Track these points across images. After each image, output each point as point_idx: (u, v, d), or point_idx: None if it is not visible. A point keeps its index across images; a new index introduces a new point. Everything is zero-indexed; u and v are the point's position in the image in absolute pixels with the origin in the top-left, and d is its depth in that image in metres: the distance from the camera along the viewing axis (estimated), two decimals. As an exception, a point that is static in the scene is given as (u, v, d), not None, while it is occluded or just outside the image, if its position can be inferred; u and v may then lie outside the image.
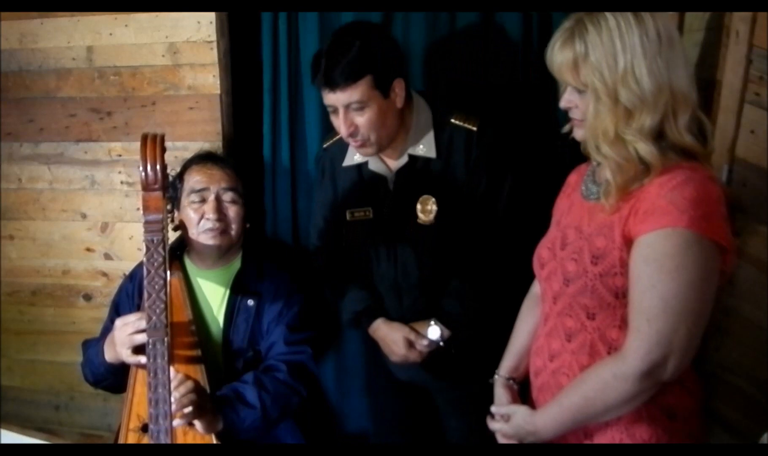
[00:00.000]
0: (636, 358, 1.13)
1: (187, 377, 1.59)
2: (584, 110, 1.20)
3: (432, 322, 1.76)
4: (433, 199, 1.72)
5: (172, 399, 1.51)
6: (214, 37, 2.05)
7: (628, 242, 1.17)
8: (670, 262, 1.11)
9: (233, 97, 2.14)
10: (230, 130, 2.14)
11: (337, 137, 1.79)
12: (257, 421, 1.67)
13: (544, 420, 1.27)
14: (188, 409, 1.53)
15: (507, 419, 1.37)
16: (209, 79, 2.08)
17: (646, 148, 1.14)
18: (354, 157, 1.78)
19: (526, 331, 1.47)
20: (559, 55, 1.19)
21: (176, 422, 1.52)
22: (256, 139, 2.16)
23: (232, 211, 1.78)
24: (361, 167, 1.79)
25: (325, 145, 1.89)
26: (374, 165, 1.76)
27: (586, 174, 1.33)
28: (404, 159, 1.73)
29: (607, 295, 1.20)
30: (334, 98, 1.61)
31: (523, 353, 1.46)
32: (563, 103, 1.25)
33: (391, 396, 2.03)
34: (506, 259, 1.71)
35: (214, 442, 1.61)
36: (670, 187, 1.13)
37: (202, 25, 2.05)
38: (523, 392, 1.46)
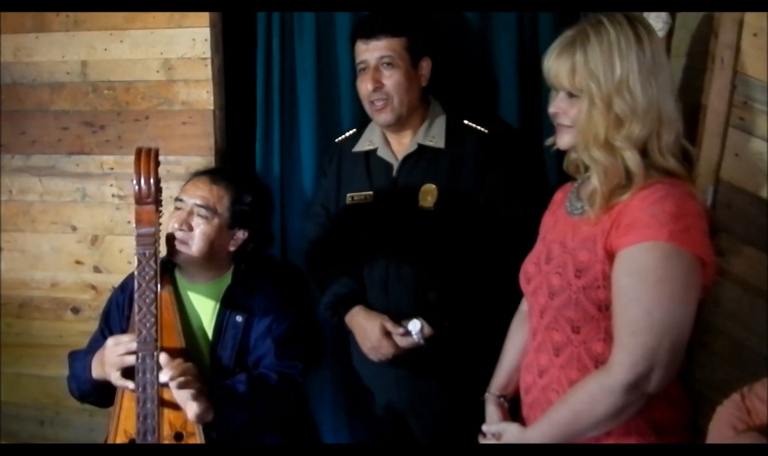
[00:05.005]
0: (622, 371, 1.15)
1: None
2: (574, 116, 1.23)
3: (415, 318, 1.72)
4: (436, 189, 1.75)
5: (168, 377, 1.52)
6: (208, 54, 2.07)
7: (610, 255, 1.19)
8: (652, 274, 1.13)
9: (226, 112, 2.16)
10: (223, 145, 2.15)
11: (350, 133, 1.89)
12: (244, 420, 1.66)
13: (534, 436, 1.28)
14: (184, 379, 1.55)
15: (498, 437, 1.38)
16: (203, 95, 2.10)
17: (632, 157, 1.18)
18: (365, 143, 1.84)
19: (516, 348, 1.48)
20: (557, 59, 1.23)
21: (166, 380, 1.55)
22: (249, 154, 2.17)
23: (198, 228, 1.76)
24: (368, 154, 1.85)
25: (337, 140, 1.95)
26: (383, 152, 1.82)
27: (571, 191, 1.37)
28: (413, 147, 1.78)
29: (591, 307, 1.22)
30: (367, 52, 1.71)
31: (512, 370, 1.48)
32: (552, 109, 1.28)
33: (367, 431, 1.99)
34: (501, 261, 1.68)
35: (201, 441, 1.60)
36: (651, 201, 1.16)
37: (197, 42, 2.07)
38: (513, 410, 1.46)
